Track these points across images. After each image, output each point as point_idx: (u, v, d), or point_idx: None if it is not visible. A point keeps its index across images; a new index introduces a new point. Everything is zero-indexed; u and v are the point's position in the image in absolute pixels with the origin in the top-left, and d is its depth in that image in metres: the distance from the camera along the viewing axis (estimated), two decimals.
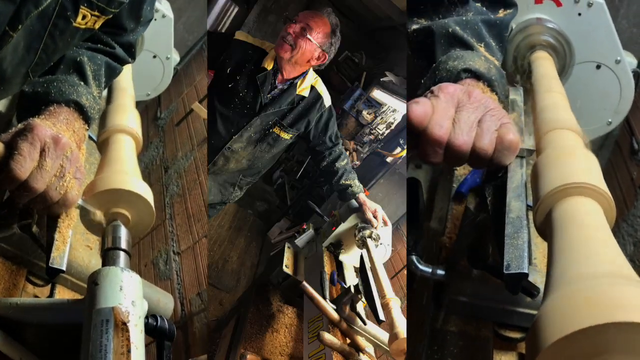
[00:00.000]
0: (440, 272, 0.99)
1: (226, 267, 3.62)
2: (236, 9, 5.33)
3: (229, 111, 2.05)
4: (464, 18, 0.98)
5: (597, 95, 1.47)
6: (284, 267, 2.04)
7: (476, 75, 0.89)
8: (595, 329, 0.48)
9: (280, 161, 5.03)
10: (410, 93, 0.99)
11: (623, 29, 1.80)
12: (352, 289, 1.59)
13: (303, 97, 2.08)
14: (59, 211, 0.84)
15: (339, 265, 2.11)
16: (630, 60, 1.47)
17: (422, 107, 0.77)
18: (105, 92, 1.23)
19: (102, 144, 1.10)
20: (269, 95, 2.06)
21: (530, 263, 0.93)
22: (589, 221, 0.67)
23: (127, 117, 1.15)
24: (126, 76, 1.33)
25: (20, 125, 0.79)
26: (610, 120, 1.51)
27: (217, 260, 3.58)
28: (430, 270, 1.00)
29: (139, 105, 1.31)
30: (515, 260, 0.72)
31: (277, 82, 2.06)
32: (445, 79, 0.89)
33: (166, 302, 1.28)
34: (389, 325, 1.33)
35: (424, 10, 1.02)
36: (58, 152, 0.78)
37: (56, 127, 0.86)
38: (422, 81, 0.94)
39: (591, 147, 1.76)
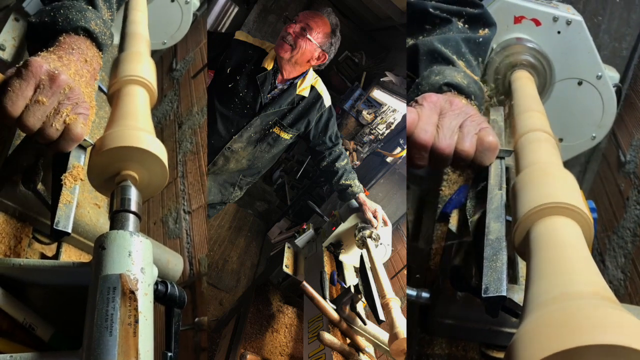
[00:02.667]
0: (425, 295, 0.97)
1: (226, 267, 3.62)
2: (236, 9, 5.33)
3: (229, 111, 2.04)
4: (446, 35, 1.04)
5: (580, 111, 1.48)
6: (284, 267, 2.04)
7: (456, 89, 0.95)
8: (572, 351, 0.47)
9: (280, 161, 5.03)
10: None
11: (605, 44, 1.83)
12: (352, 289, 1.59)
13: (303, 97, 2.08)
14: (65, 147, 0.81)
15: (339, 265, 2.11)
16: (612, 74, 1.48)
17: (408, 115, 0.83)
18: (117, 39, 1.13)
19: (113, 96, 1.00)
20: (269, 95, 2.06)
21: (516, 282, 0.93)
22: (566, 241, 0.67)
23: (142, 67, 1.04)
24: (141, 21, 1.22)
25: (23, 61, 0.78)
26: (594, 134, 1.53)
27: (217, 260, 3.58)
28: (415, 293, 0.98)
29: (153, 55, 1.19)
30: (494, 283, 0.71)
31: (277, 82, 2.06)
32: (428, 92, 0.94)
33: (176, 264, 1.24)
34: (389, 325, 1.33)
35: (411, 31, 1.09)
36: (54, 89, 0.76)
37: (63, 59, 0.83)
38: (407, 95, 1.00)
39: (577, 162, 1.77)
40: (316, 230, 2.37)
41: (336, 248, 2.17)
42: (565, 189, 0.75)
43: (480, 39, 1.08)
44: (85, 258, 1.11)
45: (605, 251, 1.61)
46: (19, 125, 0.76)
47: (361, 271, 1.66)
